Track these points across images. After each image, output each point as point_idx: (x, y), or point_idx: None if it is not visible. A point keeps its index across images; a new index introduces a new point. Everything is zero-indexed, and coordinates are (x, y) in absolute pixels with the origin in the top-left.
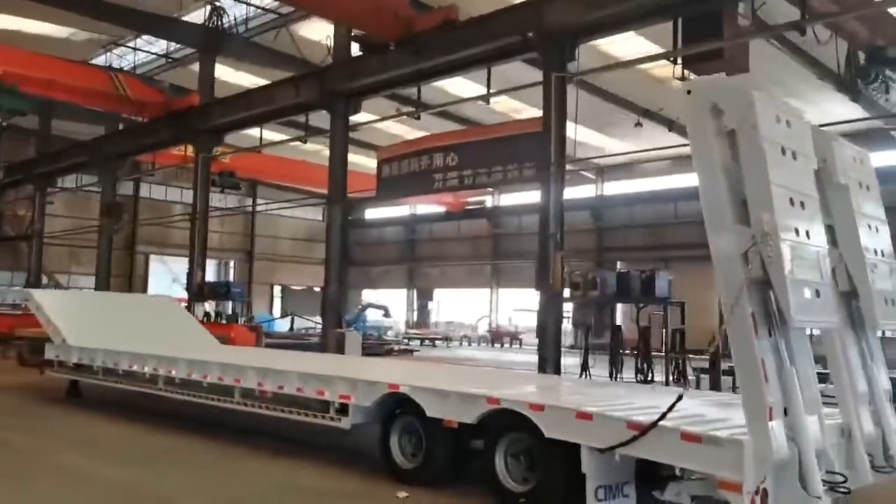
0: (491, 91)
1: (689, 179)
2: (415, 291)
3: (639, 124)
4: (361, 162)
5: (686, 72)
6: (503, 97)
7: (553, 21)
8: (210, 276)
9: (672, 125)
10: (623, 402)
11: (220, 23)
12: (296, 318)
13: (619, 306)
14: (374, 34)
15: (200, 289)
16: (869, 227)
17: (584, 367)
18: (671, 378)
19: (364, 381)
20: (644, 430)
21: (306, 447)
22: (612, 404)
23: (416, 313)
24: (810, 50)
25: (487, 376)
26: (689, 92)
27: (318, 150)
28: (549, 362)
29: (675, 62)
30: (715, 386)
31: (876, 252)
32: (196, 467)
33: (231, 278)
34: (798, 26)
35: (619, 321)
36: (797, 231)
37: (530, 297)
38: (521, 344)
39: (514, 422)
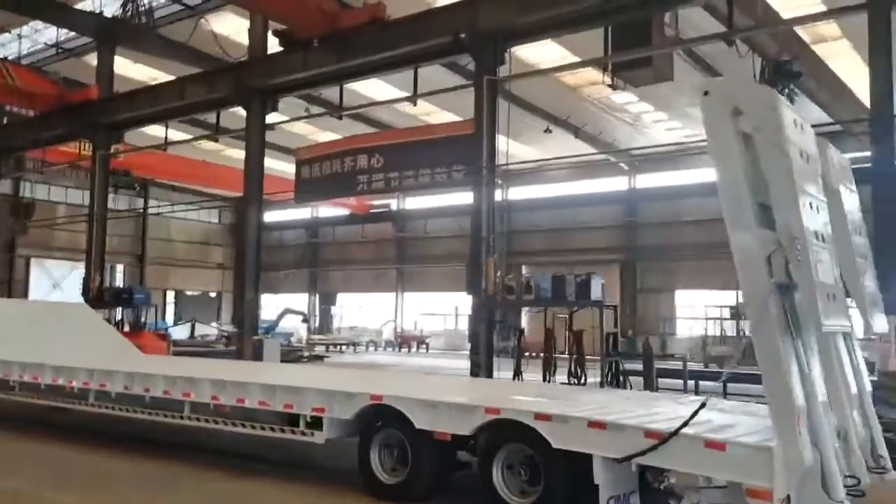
0: (415, 94)
1: (592, 185)
2: (317, 296)
3: (548, 130)
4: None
5: (615, 78)
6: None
7: (486, 23)
8: None
9: (578, 132)
10: (620, 409)
11: (135, 10)
12: (196, 324)
13: (524, 310)
14: (297, 29)
15: (100, 295)
16: (858, 232)
17: (518, 372)
18: (606, 380)
19: (342, 392)
20: (665, 438)
21: (270, 465)
22: (619, 412)
23: (318, 318)
24: (713, 63)
25: (460, 384)
26: (706, 93)
27: (219, 150)
28: (482, 368)
29: (605, 69)
30: (649, 387)
31: (863, 257)
32: (150, 490)
33: (121, 284)
34: (725, 38)
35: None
36: (816, 235)
37: (437, 302)
38: (427, 348)
39: (514, 433)
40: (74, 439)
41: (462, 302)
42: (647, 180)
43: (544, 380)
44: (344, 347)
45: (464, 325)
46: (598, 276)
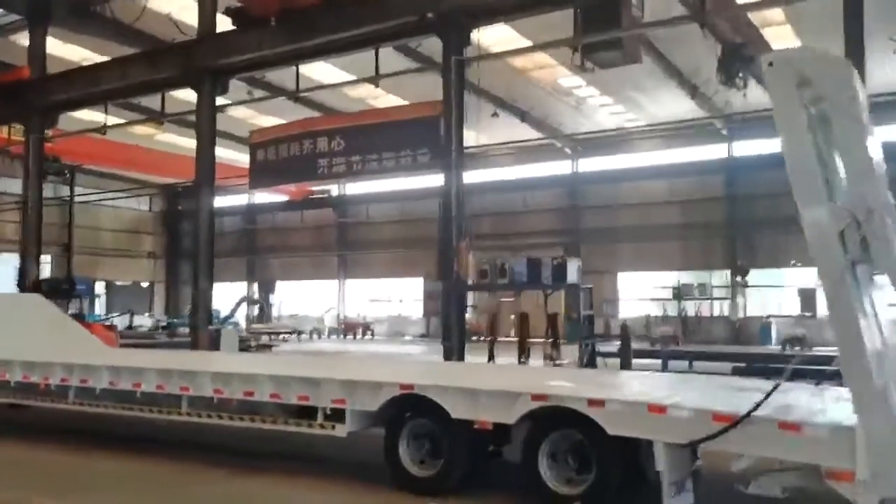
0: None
1: (536, 169)
2: (255, 284)
3: (495, 114)
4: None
5: (585, 61)
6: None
7: (452, 3)
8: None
9: (525, 116)
10: (664, 392)
11: None
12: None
13: (470, 294)
14: (253, 7)
15: (37, 286)
16: None
17: (491, 356)
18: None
19: (367, 382)
20: (736, 421)
21: (272, 460)
22: (668, 395)
23: (256, 307)
24: (664, 50)
25: (475, 370)
26: (770, 64)
27: (152, 135)
28: (454, 352)
29: (574, 50)
30: (626, 367)
31: None
32: (160, 494)
33: (48, 274)
34: (694, 19)
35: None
36: (889, 207)
37: (380, 288)
38: (373, 335)
39: (562, 420)
40: (48, 440)
41: (406, 288)
42: (590, 164)
43: (519, 363)
44: (287, 336)
45: (407, 311)
46: (575, 260)
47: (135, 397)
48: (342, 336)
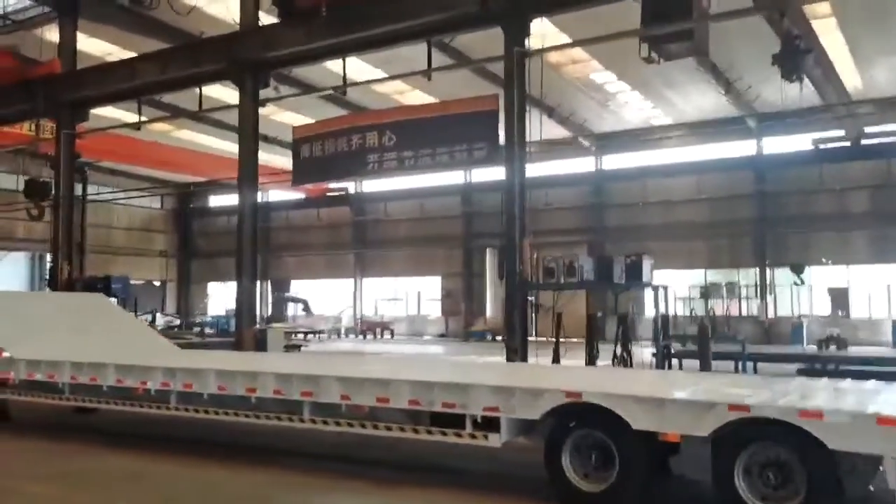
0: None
1: (559, 167)
2: (269, 283)
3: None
4: (218, 146)
5: (652, 53)
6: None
7: None
8: (24, 270)
9: (552, 112)
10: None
11: None
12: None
13: (490, 292)
14: None
15: (71, 286)
16: None
17: (557, 357)
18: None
19: (526, 389)
20: None
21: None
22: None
23: (271, 307)
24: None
25: (620, 375)
26: None
27: (168, 132)
28: (517, 353)
29: (641, 41)
30: (705, 368)
31: None
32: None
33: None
34: (765, 7)
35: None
36: None
37: (398, 287)
38: (392, 335)
39: (766, 432)
40: (154, 449)
41: (424, 286)
42: (614, 161)
43: (586, 364)
44: (310, 336)
45: (426, 310)
46: (648, 257)
47: (248, 403)
48: (362, 336)
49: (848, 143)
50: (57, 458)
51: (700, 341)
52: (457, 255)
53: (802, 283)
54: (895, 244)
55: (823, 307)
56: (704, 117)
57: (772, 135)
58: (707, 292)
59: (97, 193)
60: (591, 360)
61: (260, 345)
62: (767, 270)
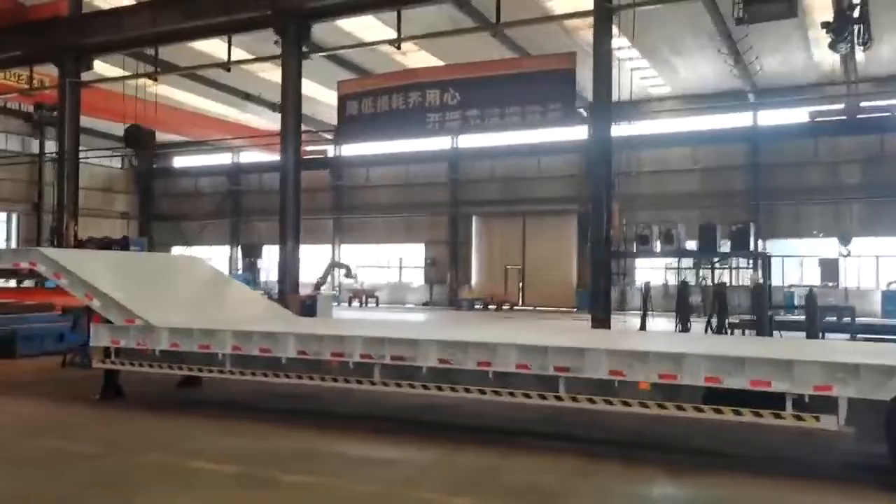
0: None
1: (550, 134)
2: (239, 248)
3: None
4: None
5: (742, 13)
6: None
7: None
8: None
9: None
10: None
11: None
12: None
13: (476, 260)
14: None
15: (80, 245)
16: None
17: (643, 324)
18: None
19: (874, 366)
20: None
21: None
22: None
23: (241, 272)
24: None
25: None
26: None
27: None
28: (600, 323)
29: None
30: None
31: None
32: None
33: (16, 235)
34: None
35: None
36: None
37: (379, 254)
38: (377, 303)
39: None
40: (299, 424)
41: (406, 254)
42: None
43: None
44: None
45: (407, 277)
46: (750, 225)
47: (480, 378)
48: (347, 304)
49: (844, 118)
50: (214, 436)
51: (808, 311)
52: (442, 223)
53: (849, 253)
54: (885, 217)
55: (811, 278)
56: (704, 89)
57: (769, 108)
58: (698, 263)
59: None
60: (718, 328)
61: (307, 311)
62: (760, 242)
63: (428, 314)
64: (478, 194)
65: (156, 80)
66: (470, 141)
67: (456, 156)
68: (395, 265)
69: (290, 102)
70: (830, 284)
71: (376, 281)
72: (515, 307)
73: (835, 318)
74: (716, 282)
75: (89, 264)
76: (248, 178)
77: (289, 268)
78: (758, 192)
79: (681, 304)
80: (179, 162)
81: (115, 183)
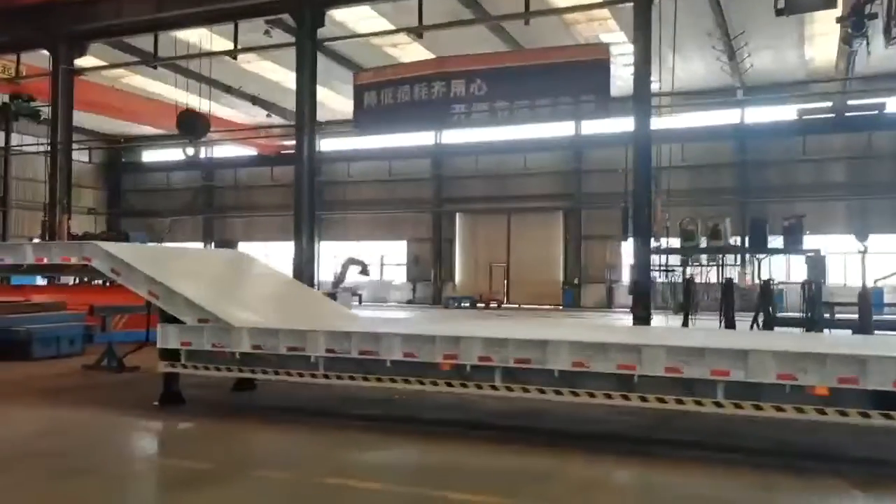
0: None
1: (538, 130)
2: (212, 245)
3: None
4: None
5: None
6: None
7: None
8: None
9: None
10: None
11: None
12: None
13: (459, 258)
14: None
15: (74, 241)
16: None
17: (686, 321)
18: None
19: None
20: None
21: None
22: None
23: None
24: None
25: None
26: None
27: (119, 77)
28: (641, 320)
29: None
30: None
31: None
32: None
33: None
34: None
35: (457, 265)
36: None
37: (359, 251)
38: (360, 301)
39: None
40: (410, 430)
41: (388, 251)
42: (594, 126)
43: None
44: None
45: (388, 275)
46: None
47: (625, 383)
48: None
49: (832, 115)
50: (344, 450)
51: (861, 308)
52: (425, 220)
53: (866, 249)
54: (871, 214)
55: (797, 275)
56: (692, 86)
57: (756, 105)
58: (687, 260)
59: (21, 145)
60: (766, 325)
61: None
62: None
63: (428, 313)
64: (462, 191)
65: (155, 67)
66: (454, 137)
67: (440, 152)
68: (377, 263)
69: (305, 91)
70: (821, 281)
71: (357, 279)
72: (502, 305)
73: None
74: (762, 279)
75: (146, 260)
76: (223, 173)
77: (305, 265)
78: (744, 189)
79: (726, 301)
80: (149, 156)
81: (81, 178)
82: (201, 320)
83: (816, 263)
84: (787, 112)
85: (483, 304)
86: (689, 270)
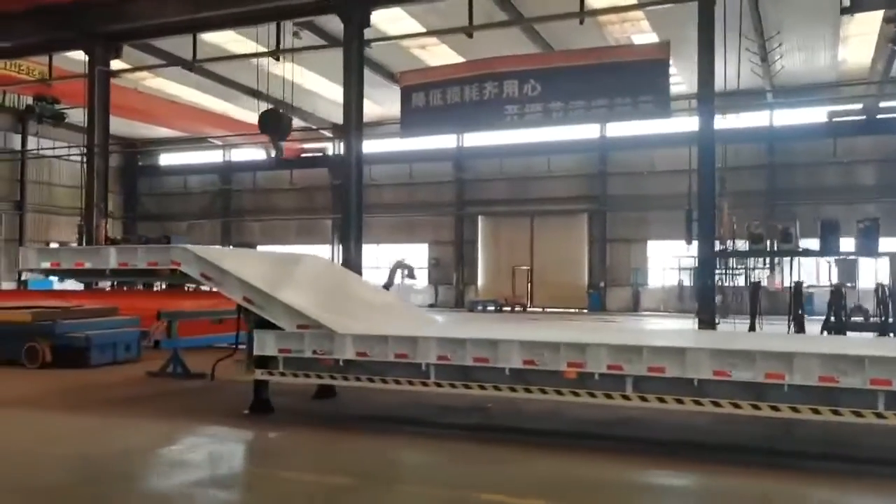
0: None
1: (560, 132)
2: (230, 248)
3: None
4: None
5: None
6: None
7: None
8: None
9: None
10: None
11: None
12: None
13: (482, 261)
14: None
15: (113, 244)
16: None
17: (753, 326)
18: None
19: None
20: None
21: None
22: None
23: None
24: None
25: None
26: None
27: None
28: (706, 325)
29: None
30: None
31: None
32: None
33: None
34: None
35: (480, 273)
36: None
37: (380, 254)
38: None
39: None
40: (548, 447)
41: (409, 254)
42: (619, 129)
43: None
44: None
45: (411, 279)
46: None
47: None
48: None
49: (863, 118)
50: (478, 465)
51: None
52: (447, 223)
53: None
54: None
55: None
56: (719, 87)
57: (786, 108)
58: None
59: (38, 149)
60: (839, 328)
61: None
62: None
63: (460, 316)
64: (484, 193)
65: (191, 69)
66: (475, 140)
67: (461, 155)
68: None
69: (352, 91)
70: (849, 284)
71: (377, 281)
72: (526, 309)
73: None
74: (833, 282)
75: (234, 264)
76: (241, 176)
77: (352, 268)
78: (772, 191)
79: (796, 306)
80: (166, 160)
81: None
82: (300, 326)
83: (847, 266)
84: (816, 114)
85: (508, 308)
86: (753, 274)
